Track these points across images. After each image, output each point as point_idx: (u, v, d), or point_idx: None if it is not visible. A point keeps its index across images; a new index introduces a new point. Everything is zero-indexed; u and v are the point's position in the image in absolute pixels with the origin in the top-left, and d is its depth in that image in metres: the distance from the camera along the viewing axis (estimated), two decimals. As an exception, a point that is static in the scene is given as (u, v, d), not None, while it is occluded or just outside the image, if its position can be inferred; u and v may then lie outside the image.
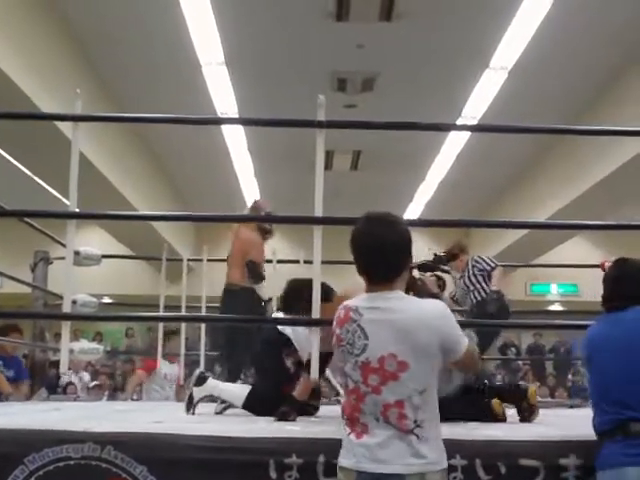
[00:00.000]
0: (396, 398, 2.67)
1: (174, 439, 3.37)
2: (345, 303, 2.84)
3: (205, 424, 4.13)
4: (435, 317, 2.76)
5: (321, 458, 3.25)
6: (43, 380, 8.14)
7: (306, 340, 4.72)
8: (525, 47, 10.84)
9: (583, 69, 11.67)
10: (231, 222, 5.96)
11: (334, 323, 2.83)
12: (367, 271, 2.81)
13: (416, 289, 4.07)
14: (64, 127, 9.24)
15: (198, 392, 5.03)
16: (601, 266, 6.38)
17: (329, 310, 4.81)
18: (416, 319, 2.72)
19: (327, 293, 4.88)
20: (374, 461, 2.65)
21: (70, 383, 11.05)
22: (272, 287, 8.19)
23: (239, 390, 5.10)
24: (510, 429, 4.03)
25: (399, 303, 2.76)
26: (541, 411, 5.04)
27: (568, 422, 4.59)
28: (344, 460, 2.75)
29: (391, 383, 2.67)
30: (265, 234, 6.81)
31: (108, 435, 3.37)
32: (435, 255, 7.21)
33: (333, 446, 3.29)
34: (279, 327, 5.22)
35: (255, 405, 4.94)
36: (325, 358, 4.55)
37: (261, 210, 7.03)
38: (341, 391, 4.57)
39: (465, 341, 2.82)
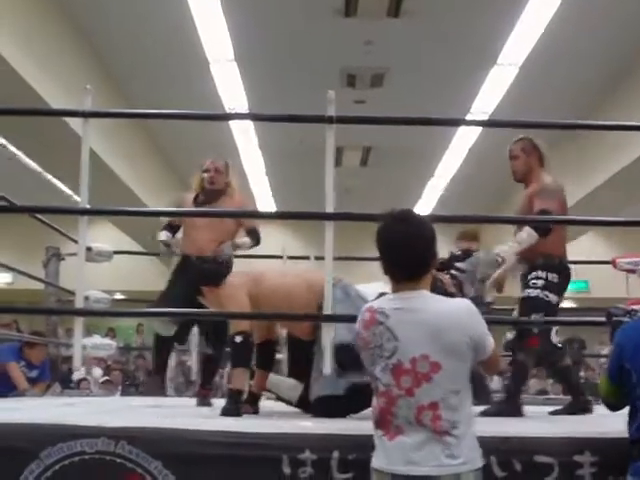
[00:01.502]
0: (430, 400, 2.64)
1: (188, 434, 3.38)
2: (369, 305, 2.80)
3: (219, 419, 4.14)
4: (465, 315, 2.73)
5: (335, 454, 3.25)
6: (56, 375, 8.19)
7: (342, 327, 4.52)
8: (536, 42, 10.82)
9: (594, 64, 11.64)
10: (241, 218, 5.93)
11: (358, 325, 2.78)
12: (394, 270, 2.77)
13: (434, 289, 4.06)
14: (74, 123, 9.26)
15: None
16: (612, 263, 6.32)
17: (210, 295, 4.85)
18: (446, 318, 2.69)
19: (217, 277, 4.83)
20: (408, 463, 2.62)
21: (84, 379, 11.09)
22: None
23: (292, 385, 5.05)
24: (524, 426, 4.03)
25: (427, 302, 2.73)
26: (555, 408, 5.03)
27: (582, 419, 4.59)
28: (377, 462, 2.71)
29: (424, 385, 2.64)
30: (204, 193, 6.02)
31: (122, 430, 3.38)
32: (451, 253, 7.14)
33: (347, 442, 3.31)
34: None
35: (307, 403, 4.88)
36: None
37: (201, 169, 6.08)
38: None
39: (492, 340, 2.80)
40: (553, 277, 4.92)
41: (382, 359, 2.69)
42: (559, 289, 4.98)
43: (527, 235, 4.88)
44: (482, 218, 5.34)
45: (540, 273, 4.91)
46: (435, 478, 2.60)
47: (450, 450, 2.62)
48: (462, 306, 2.78)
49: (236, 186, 6.02)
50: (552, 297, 4.90)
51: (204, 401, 5.76)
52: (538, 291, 4.88)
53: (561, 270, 5.00)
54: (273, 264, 6.03)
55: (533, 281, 4.90)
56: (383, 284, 5.09)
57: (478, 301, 5.93)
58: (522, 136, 5.46)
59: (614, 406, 3.21)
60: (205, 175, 5.92)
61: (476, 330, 2.73)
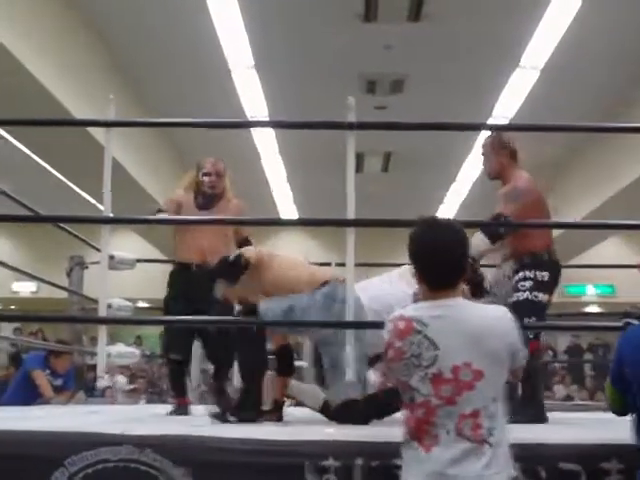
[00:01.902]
0: (472, 408, 2.61)
1: (212, 442, 3.39)
2: (399, 313, 2.74)
3: (243, 427, 4.15)
4: (505, 322, 2.72)
5: (358, 461, 3.24)
6: (81, 384, 8.23)
7: (373, 335, 4.40)
8: (556, 45, 10.78)
9: (616, 66, 11.58)
10: (264, 226, 5.94)
11: (389, 335, 2.72)
12: (431, 277, 2.74)
13: (479, 284, 4.07)
14: (96, 133, 9.32)
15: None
16: (638, 266, 6.30)
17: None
18: (487, 325, 2.67)
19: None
20: (446, 476, 2.59)
21: (108, 387, 11.14)
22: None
23: (315, 391, 5.04)
24: (550, 432, 4.01)
25: (466, 310, 2.71)
26: (581, 414, 5.01)
27: (609, 425, 4.56)
28: (411, 476, 2.67)
29: (466, 393, 2.61)
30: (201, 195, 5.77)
31: (146, 438, 3.39)
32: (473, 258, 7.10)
33: (370, 448, 3.31)
34: None
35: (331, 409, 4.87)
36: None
37: (199, 170, 5.81)
38: None
39: (525, 350, 2.79)
40: (543, 275, 4.83)
41: (420, 369, 2.64)
42: (550, 287, 4.88)
43: (477, 241, 4.78)
44: (503, 223, 5.29)
45: (528, 273, 4.82)
46: None
47: (487, 459, 2.59)
48: (501, 313, 2.76)
49: (230, 188, 5.84)
50: (542, 297, 4.80)
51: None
52: (527, 294, 4.79)
53: (551, 267, 4.90)
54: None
55: (521, 283, 4.83)
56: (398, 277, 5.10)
57: None
58: (492, 133, 5.34)
59: (619, 412, 3.19)
60: (206, 179, 5.70)
61: (514, 337, 2.72)
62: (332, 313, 4.59)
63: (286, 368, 4.90)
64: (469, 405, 2.61)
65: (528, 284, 4.80)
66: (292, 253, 5.59)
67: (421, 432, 2.64)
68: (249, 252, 4.82)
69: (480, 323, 2.67)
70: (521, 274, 4.83)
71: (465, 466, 2.58)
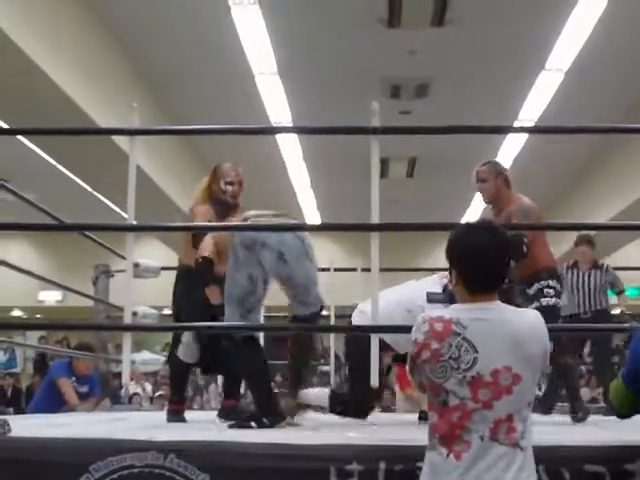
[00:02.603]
0: (508, 412, 2.59)
1: (236, 447, 3.39)
2: (437, 315, 2.70)
3: (267, 432, 4.15)
4: (540, 326, 2.71)
5: (382, 465, 3.23)
6: (106, 391, 8.27)
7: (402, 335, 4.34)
8: (581, 47, 10.73)
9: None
10: (288, 232, 5.94)
11: (424, 336, 2.67)
12: (474, 280, 2.71)
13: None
14: (121, 141, 9.37)
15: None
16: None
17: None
18: (525, 329, 2.66)
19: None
20: None
21: (135, 394, 11.19)
22: (330, 296, 8.23)
23: (320, 392, 5.08)
24: (574, 433, 3.99)
25: (505, 313, 2.69)
26: (606, 417, 4.98)
27: (633, 426, 4.53)
28: None
29: (504, 397, 2.59)
30: (221, 206, 5.46)
31: (171, 444, 3.40)
32: None
33: (394, 452, 3.30)
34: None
35: (349, 406, 4.93)
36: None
37: (221, 178, 5.53)
38: None
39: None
40: (557, 285, 5.33)
41: (458, 371, 2.60)
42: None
43: None
44: (522, 226, 5.34)
45: (551, 282, 5.27)
46: None
47: (520, 463, 2.57)
48: (537, 316, 2.74)
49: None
50: (561, 303, 5.35)
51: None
52: (555, 299, 5.24)
53: (561, 278, 5.57)
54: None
55: (546, 290, 5.23)
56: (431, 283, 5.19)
57: None
58: (488, 160, 5.70)
59: (627, 414, 3.16)
60: (229, 188, 5.44)
61: (547, 341, 2.72)
62: (256, 254, 4.52)
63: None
64: (505, 409, 2.59)
65: (552, 291, 5.23)
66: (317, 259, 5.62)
67: (453, 438, 2.60)
68: (204, 250, 4.82)
69: (520, 327, 2.66)
70: (543, 282, 5.25)
71: (497, 469, 2.56)
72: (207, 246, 4.85)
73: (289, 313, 5.07)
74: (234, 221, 5.01)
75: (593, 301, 7.60)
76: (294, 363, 5.05)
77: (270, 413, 4.49)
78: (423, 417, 4.60)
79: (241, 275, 4.57)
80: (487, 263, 2.71)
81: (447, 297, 4.74)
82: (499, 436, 2.57)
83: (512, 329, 2.64)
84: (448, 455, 2.59)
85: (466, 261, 2.73)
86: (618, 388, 3.12)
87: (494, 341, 2.61)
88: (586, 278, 7.73)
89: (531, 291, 5.25)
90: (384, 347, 4.73)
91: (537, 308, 4.90)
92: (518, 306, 5.00)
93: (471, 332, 2.62)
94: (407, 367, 2.78)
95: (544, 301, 5.14)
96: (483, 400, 2.58)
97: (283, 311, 5.81)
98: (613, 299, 8.16)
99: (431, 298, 4.94)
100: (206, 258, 4.76)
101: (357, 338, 4.98)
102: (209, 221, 5.24)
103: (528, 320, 2.71)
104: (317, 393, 5.17)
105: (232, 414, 5.13)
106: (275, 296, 5.23)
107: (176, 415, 5.34)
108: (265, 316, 7.08)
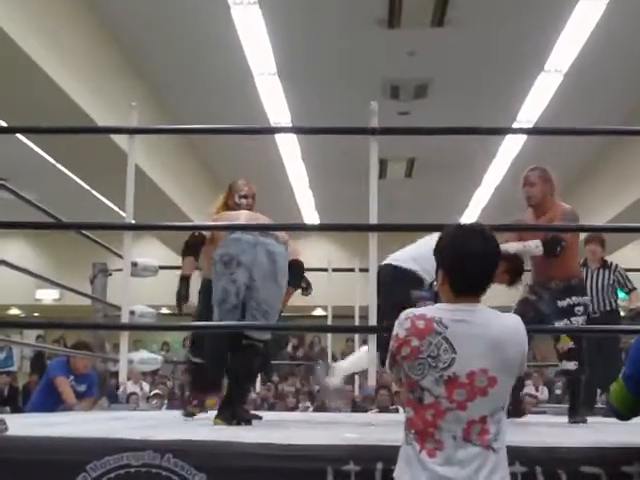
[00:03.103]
0: (482, 414, 2.60)
1: (233, 447, 3.39)
2: (420, 312, 2.72)
3: (263, 431, 4.15)
4: (520, 331, 2.72)
5: (379, 465, 3.22)
6: (104, 390, 8.26)
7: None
8: (580, 49, 10.73)
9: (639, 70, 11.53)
10: (287, 231, 5.97)
11: (405, 332, 2.68)
12: (461, 282, 2.72)
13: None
14: (120, 140, 9.37)
15: (335, 381, 5.07)
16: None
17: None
18: (506, 333, 2.67)
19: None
20: None
21: (133, 393, 11.18)
22: (328, 296, 8.23)
23: (364, 354, 5.10)
24: (571, 435, 3.99)
25: (487, 317, 2.70)
26: (603, 418, 4.99)
27: (631, 428, 4.53)
28: (412, 478, 2.62)
29: (479, 399, 2.60)
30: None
31: (168, 443, 3.39)
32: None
33: (391, 453, 3.29)
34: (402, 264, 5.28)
35: None
36: None
37: (235, 192, 5.91)
38: None
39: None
40: (586, 300, 5.59)
41: (436, 370, 2.62)
42: None
43: (535, 246, 5.35)
44: (520, 227, 5.39)
45: (581, 299, 5.50)
46: None
47: (492, 464, 2.58)
48: (518, 322, 2.75)
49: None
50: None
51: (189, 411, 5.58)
52: (582, 318, 5.45)
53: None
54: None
55: (577, 308, 5.44)
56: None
57: None
58: (537, 165, 5.86)
59: (626, 415, 3.16)
60: (243, 201, 5.78)
61: (526, 347, 2.73)
62: (230, 271, 4.84)
63: (296, 280, 5.29)
64: (479, 411, 2.60)
65: (582, 309, 5.47)
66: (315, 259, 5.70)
67: (426, 435, 2.62)
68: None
69: (501, 331, 2.66)
70: (575, 299, 5.47)
71: (471, 471, 2.57)
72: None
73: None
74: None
75: (602, 300, 7.58)
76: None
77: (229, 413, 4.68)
78: None
79: (217, 286, 4.96)
80: (476, 267, 2.71)
81: (432, 295, 4.80)
82: (472, 437, 2.59)
83: (492, 332, 2.65)
84: (421, 451, 2.61)
85: (455, 264, 2.73)
86: (619, 390, 3.11)
87: (473, 343, 2.62)
88: (595, 277, 7.71)
89: (564, 304, 5.45)
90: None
91: (566, 325, 5.37)
92: (545, 316, 5.26)
93: (452, 332, 2.63)
94: (386, 362, 2.77)
95: (574, 320, 5.40)
96: (458, 400, 2.60)
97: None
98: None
99: (416, 296, 4.99)
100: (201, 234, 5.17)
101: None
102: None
103: (508, 325, 2.71)
104: (354, 360, 5.20)
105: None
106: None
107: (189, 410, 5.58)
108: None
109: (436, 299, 3.10)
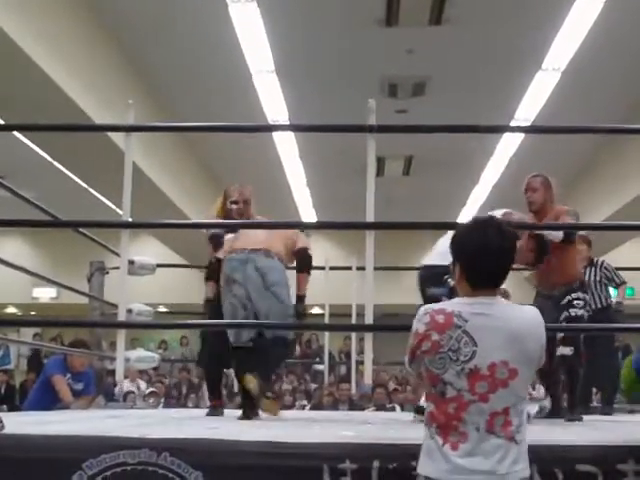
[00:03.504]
0: (503, 405, 2.64)
1: (229, 445, 3.40)
2: (439, 307, 2.75)
3: (260, 430, 4.15)
4: (539, 324, 2.76)
5: (375, 463, 3.23)
6: (100, 388, 8.25)
7: None
8: (578, 47, 10.72)
9: (637, 68, 11.51)
10: (284, 229, 5.99)
11: (425, 327, 2.72)
12: (479, 276, 2.76)
13: None
14: (117, 138, 9.36)
15: None
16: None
17: None
18: (525, 326, 2.71)
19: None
20: (474, 472, 2.60)
21: (130, 392, 11.18)
22: (325, 294, 8.23)
23: None
24: (567, 434, 3.99)
25: (505, 309, 2.74)
26: (599, 416, 5.00)
27: (626, 427, 4.54)
28: (435, 471, 2.65)
29: (501, 390, 2.63)
30: None
31: (164, 441, 3.40)
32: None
33: (387, 451, 3.30)
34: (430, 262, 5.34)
35: None
36: None
37: (227, 199, 6.14)
38: None
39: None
40: (585, 297, 5.76)
41: (457, 363, 2.65)
42: None
43: (556, 233, 5.61)
44: (517, 225, 5.40)
45: (580, 294, 5.68)
46: None
47: (515, 456, 2.62)
48: (536, 314, 2.78)
49: (256, 210, 6.13)
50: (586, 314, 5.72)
51: (215, 411, 5.96)
52: (582, 311, 5.61)
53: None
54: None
55: (576, 301, 5.63)
56: None
57: None
58: (539, 172, 6.14)
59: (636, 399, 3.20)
60: (234, 207, 5.98)
61: (544, 339, 2.76)
62: (230, 288, 5.38)
63: (302, 267, 5.63)
64: (501, 403, 2.63)
65: (582, 302, 5.67)
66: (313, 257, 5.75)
67: (449, 428, 2.65)
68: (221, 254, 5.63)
69: (520, 324, 2.70)
70: (574, 295, 5.66)
71: (493, 461, 2.60)
72: (224, 250, 5.65)
73: None
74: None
75: (593, 298, 7.60)
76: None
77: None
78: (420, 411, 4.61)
79: (225, 305, 5.44)
80: (493, 261, 2.75)
81: (447, 292, 4.80)
82: (495, 429, 2.62)
83: (511, 325, 2.68)
84: (444, 444, 2.64)
85: (472, 258, 2.76)
86: (627, 376, 3.17)
87: (493, 336, 2.65)
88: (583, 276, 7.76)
89: (564, 301, 5.63)
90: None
91: (566, 318, 5.52)
92: (546, 314, 5.25)
93: (472, 326, 2.66)
94: (406, 359, 2.80)
95: (572, 311, 5.55)
96: (480, 392, 2.63)
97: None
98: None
99: (431, 293, 5.05)
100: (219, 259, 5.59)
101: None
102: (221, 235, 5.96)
103: (527, 317, 2.75)
104: None
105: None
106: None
107: (215, 410, 5.95)
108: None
109: (451, 295, 3.12)
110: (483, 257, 2.74)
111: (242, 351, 5.46)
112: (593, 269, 7.87)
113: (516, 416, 2.65)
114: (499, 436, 2.62)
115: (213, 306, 5.87)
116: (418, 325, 2.74)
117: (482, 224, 2.82)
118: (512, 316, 2.71)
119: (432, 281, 5.22)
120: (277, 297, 5.39)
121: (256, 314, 5.38)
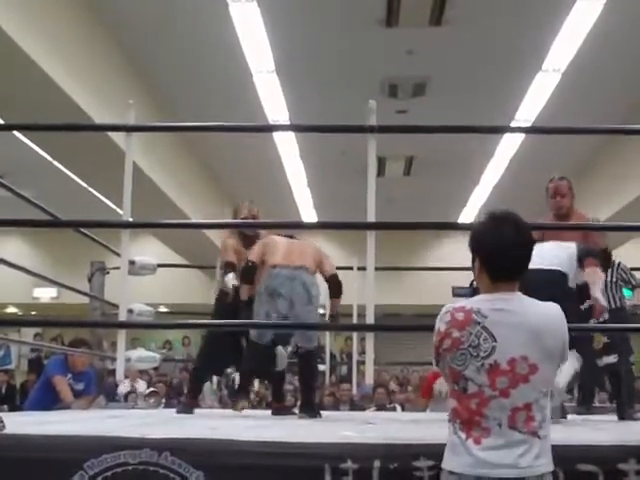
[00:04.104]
0: (525, 401, 2.66)
1: (230, 445, 3.39)
2: (459, 305, 2.79)
3: (261, 429, 4.15)
4: (560, 320, 2.78)
5: (376, 463, 3.23)
6: (101, 388, 8.25)
7: None
8: (578, 48, 10.73)
9: (638, 69, 11.51)
10: (285, 229, 6.01)
11: (446, 325, 2.75)
12: (498, 271, 2.78)
13: None
14: (117, 138, 9.36)
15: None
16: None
17: None
18: (544, 322, 2.72)
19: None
20: (496, 466, 2.62)
21: (131, 391, 11.18)
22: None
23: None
24: (568, 433, 3.99)
25: (525, 305, 2.76)
26: (600, 416, 4.99)
27: (627, 427, 4.54)
28: (459, 466, 2.68)
29: (521, 386, 2.65)
30: (245, 239, 6.48)
31: (165, 441, 3.40)
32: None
33: (388, 451, 3.30)
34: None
35: None
36: None
37: (238, 215, 6.55)
38: None
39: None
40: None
41: (477, 359, 2.68)
42: None
43: (599, 278, 5.23)
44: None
45: None
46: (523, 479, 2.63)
47: (537, 451, 2.65)
48: (557, 310, 2.80)
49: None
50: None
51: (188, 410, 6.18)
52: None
53: None
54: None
55: None
56: None
57: None
58: (563, 175, 6.07)
59: None
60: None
61: (566, 335, 2.78)
62: (274, 300, 5.75)
63: (336, 293, 6.03)
64: (522, 398, 2.66)
65: None
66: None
67: (472, 424, 2.68)
68: (252, 255, 6.00)
69: (539, 319, 2.72)
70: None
71: (515, 455, 2.63)
72: (254, 252, 6.00)
73: None
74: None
75: (608, 299, 7.57)
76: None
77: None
78: None
79: (259, 310, 5.79)
80: (512, 255, 2.77)
81: (471, 291, 4.82)
82: (518, 424, 2.65)
83: (531, 320, 2.70)
84: (467, 439, 2.67)
85: (491, 252, 2.79)
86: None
87: (512, 331, 2.68)
88: None
89: (586, 306, 5.45)
90: None
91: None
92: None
93: (491, 321, 2.70)
94: (433, 359, 2.84)
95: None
96: (500, 388, 2.65)
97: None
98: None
99: (456, 292, 5.14)
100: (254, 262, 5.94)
101: None
102: (236, 251, 6.37)
103: (547, 312, 2.77)
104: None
105: (285, 412, 6.31)
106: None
107: (187, 409, 6.17)
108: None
109: (473, 295, 3.16)
110: (500, 251, 2.77)
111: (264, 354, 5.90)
112: (609, 270, 7.81)
113: (539, 411, 2.67)
114: (521, 431, 2.65)
115: (226, 306, 6.14)
116: (440, 324, 2.78)
117: (498, 219, 2.85)
118: (531, 312, 2.73)
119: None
120: (316, 308, 5.95)
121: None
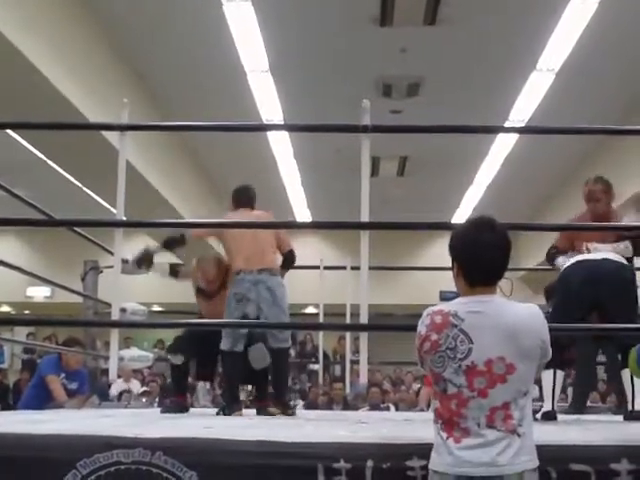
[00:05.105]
0: (503, 400, 2.70)
1: (224, 444, 3.39)
2: (437, 308, 2.84)
3: (254, 429, 4.15)
4: (538, 320, 2.82)
5: (369, 463, 3.23)
6: (94, 388, 8.24)
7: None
8: (572, 48, 10.74)
9: (631, 69, 11.53)
10: (279, 229, 6.01)
11: (426, 329, 2.81)
12: (475, 274, 2.83)
13: None
14: (111, 137, 9.35)
15: None
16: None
17: None
18: (521, 322, 2.76)
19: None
20: (475, 465, 2.67)
21: (125, 391, 11.16)
22: (320, 294, 8.23)
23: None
24: (561, 433, 4.00)
25: (502, 307, 2.81)
26: (592, 416, 4.99)
27: (619, 427, 4.54)
28: (440, 465, 2.74)
29: (499, 386, 2.70)
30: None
31: (158, 441, 3.39)
32: None
33: (381, 450, 3.30)
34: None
35: None
36: None
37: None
38: None
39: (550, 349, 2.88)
40: None
41: (454, 361, 2.74)
42: None
43: (624, 247, 5.36)
44: (512, 225, 5.39)
45: None
46: (500, 477, 2.67)
47: (517, 449, 2.69)
48: (535, 311, 2.84)
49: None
50: None
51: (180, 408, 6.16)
52: None
53: None
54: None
55: None
56: None
57: None
58: (599, 176, 5.84)
59: None
60: None
61: (546, 335, 2.82)
62: (243, 305, 5.89)
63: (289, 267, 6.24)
64: (500, 397, 2.70)
65: None
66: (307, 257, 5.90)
67: (452, 424, 2.74)
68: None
69: (515, 320, 2.76)
70: None
71: (494, 453, 2.67)
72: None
73: None
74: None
75: None
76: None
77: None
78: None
79: (232, 317, 5.90)
80: (487, 258, 2.82)
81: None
82: (496, 423, 2.70)
83: (507, 321, 2.75)
84: (448, 439, 2.73)
85: (467, 255, 2.84)
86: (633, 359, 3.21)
87: (489, 333, 2.73)
88: None
89: None
90: None
91: None
92: None
93: (467, 324, 2.75)
94: (418, 361, 2.90)
95: None
96: (478, 388, 2.71)
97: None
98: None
99: (443, 296, 5.20)
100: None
101: None
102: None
103: (523, 314, 2.81)
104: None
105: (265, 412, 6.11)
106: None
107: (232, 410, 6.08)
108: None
109: None
110: (476, 255, 2.82)
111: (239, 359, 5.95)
112: None
113: (517, 410, 2.71)
114: (499, 429, 2.69)
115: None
116: (421, 327, 2.84)
117: (475, 223, 2.91)
118: (507, 313, 2.78)
119: None
120: (283, 310, 6.01)
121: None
